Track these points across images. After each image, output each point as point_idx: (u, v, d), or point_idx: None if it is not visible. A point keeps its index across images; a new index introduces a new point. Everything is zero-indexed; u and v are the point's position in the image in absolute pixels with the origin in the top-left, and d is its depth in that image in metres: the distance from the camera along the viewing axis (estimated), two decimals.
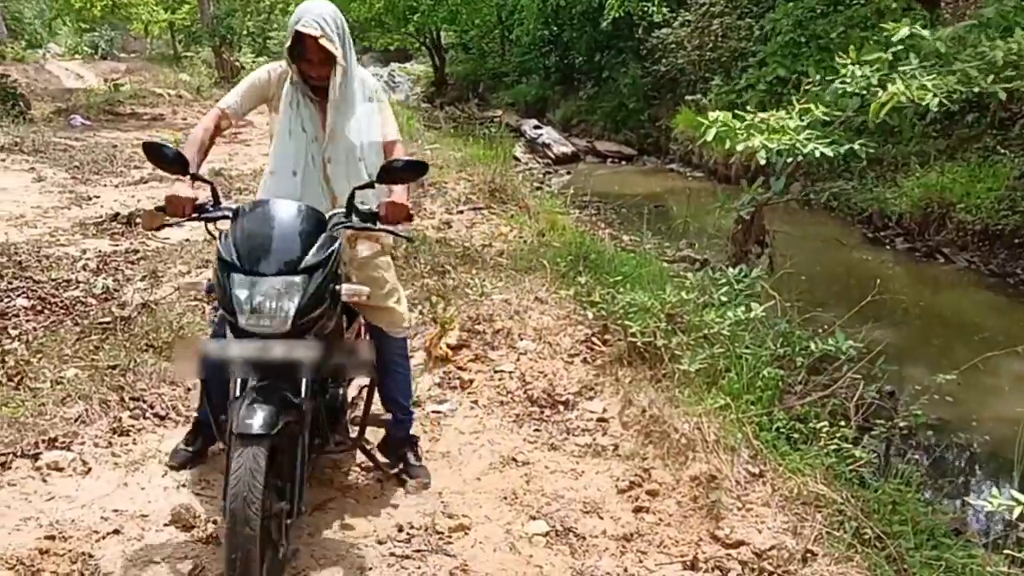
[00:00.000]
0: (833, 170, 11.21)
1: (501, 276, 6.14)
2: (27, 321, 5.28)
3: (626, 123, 19.88)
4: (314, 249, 2.87)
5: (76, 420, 3.92)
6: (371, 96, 3.39)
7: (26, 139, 11.56)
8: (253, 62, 25.94)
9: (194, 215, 3.05)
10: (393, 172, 3.02)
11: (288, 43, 3.13)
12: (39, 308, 5.54)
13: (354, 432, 3.49)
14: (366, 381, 3.59)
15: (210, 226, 3.10)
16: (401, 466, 3.71)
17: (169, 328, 4.93)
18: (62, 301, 5.64)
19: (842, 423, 4.19)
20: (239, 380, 2.86)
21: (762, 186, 6.38)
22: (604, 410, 4.40)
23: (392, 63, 37.75)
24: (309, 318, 2.81)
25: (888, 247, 10.53)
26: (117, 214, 7.92)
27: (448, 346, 4.94)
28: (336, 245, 2.97)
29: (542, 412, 4.43)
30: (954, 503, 4.94)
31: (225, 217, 3.03)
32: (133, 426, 3.97)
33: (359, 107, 3.34)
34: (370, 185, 3.06)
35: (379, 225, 3.09)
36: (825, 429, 4.08)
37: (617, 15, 15.89)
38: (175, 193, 3.01)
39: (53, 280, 6.01)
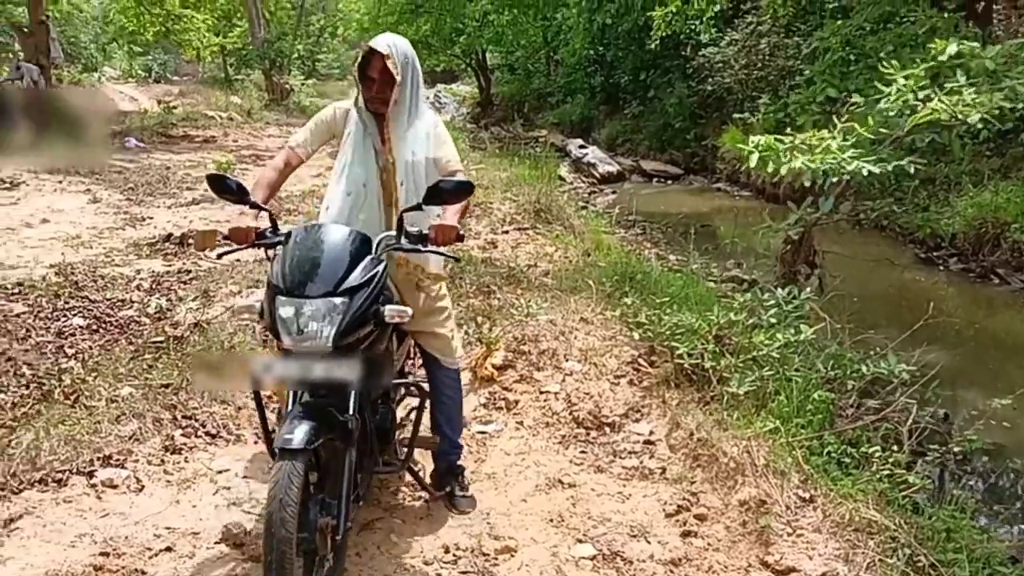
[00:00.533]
0: (884, 190, 11.04)
1: (546, 296, 6.13)
2: (83, 340, 5.40)
3: (672, 142, 19.81)
4: (357, 270, 2.91)
5: (130, 438, 3.98)
6: (429, 132, 3.42)
7: (83, 161, 11.81)
8: (302, 84, 26.43)
9: (255, 243, 3.13)
10: (440, 193, 3.05)
11: (358, 60, 3.25)
12: (95, 327, 5.66)
13: (403, 453, 3.51)
14: (415, 402, 3.62)
15: (269, 251, 3.19)
16: (447, 499, 3.72)
17: (220, 347, 5.00)
18: (117, 320, 5.76)
19: (895, 448, 4.12)
20: (291, 396, 2.93)
21: (811, 206, 6.31)
22: (651, 432, 4.37)
23: (438, 84, 38.08)
24: (352, 338, 2.85)
25: (941, 268, 10.33)
26: (170, 235, 8.07)
27: (494, 366, 4.95)
28: (380, 267, 3.01)
29: (588, 434, 4.41)
30: (1011, 530, 4.80)
31: (280, 243, 3.10)
32: (185, 444, 4.03)
33: (420, 137, 3.38)
34: (417, 207, 3.10)
35: (428, 247, 3.12)
36: (877, 454, 4.00)
37: (664, 34, 15.87)
38: (238, 224, 3.12)
39: (108, 300, 6.14)
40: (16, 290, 6.20)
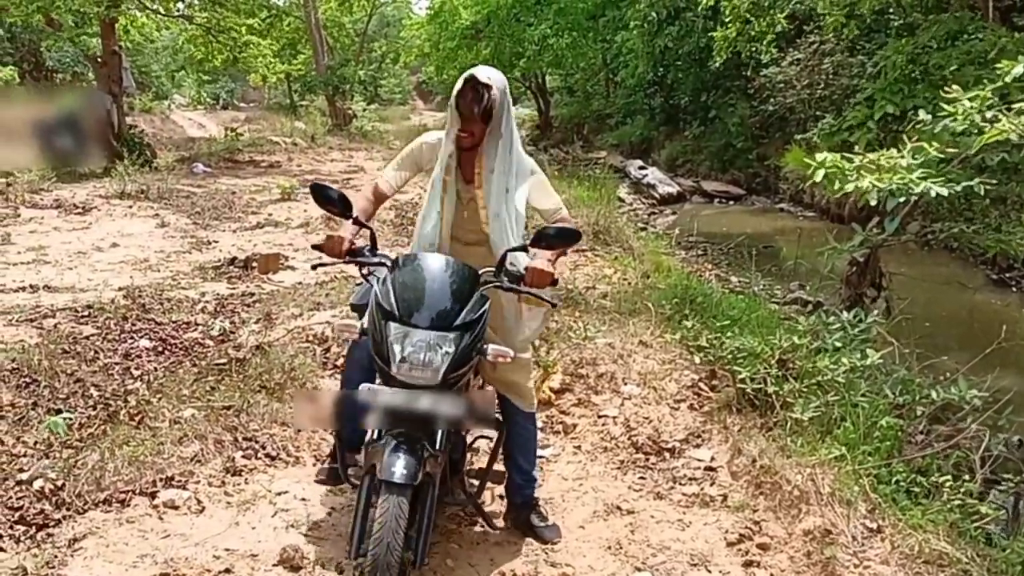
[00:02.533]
0: (954, 209, 10.77)
1: (604, 319, 6.08)
2: (149, 362, 5.50)
3: (734, 163, 19.64)
4: (469, 306, 2.93)
5: (192, 459, 4.03)
6: (528, 178, 3.39)
7: (151, 187, 12.16)
8: (364, 110, 26.79)
9: (348, 258, 3.14)
10: (545, 238, 3.05)
11: (457, 89, 3.16)
12: (160, 349, 5.77)
13: (470, 485, 3.48)
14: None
15: (363, 270, 3.20)
16: (528, 531, 3.67)
17: (281, 370, 5.05)
18: (182, 342, 5.86)
19: (966, 477, 3.96)
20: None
21: (877, 226, 6.18)
22: (712, 458, 4.29)
23: None
24: (457, 373, 2.86)
25: (1014, 289, 10.03)
26: (234, 258, 8.21)
27: (551, 390, 4.92)
28: (487, 305, 3.02)
29: (647, 459, 4.34)
30: None
31: (381, 264, 3.12)
32: (245, 466, 4.06)
33: (514, 175, 3.33)
34: (523, 248, 3.11)
35: (523, 288, 3.12)
36: (948, 483, 3.86)
37: (725, 57, 15.78)
38: (335, 235, 3.14)
39: (174, 322, 6.26)
40: (86, 313, 6.35)
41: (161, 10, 18.39)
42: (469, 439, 3.68)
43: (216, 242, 9.41)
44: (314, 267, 3.46)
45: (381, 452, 2.73)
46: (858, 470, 3.84)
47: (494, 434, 3.51)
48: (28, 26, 19.32)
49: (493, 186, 3.30)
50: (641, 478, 4.18)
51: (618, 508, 3.88)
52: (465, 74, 3.17)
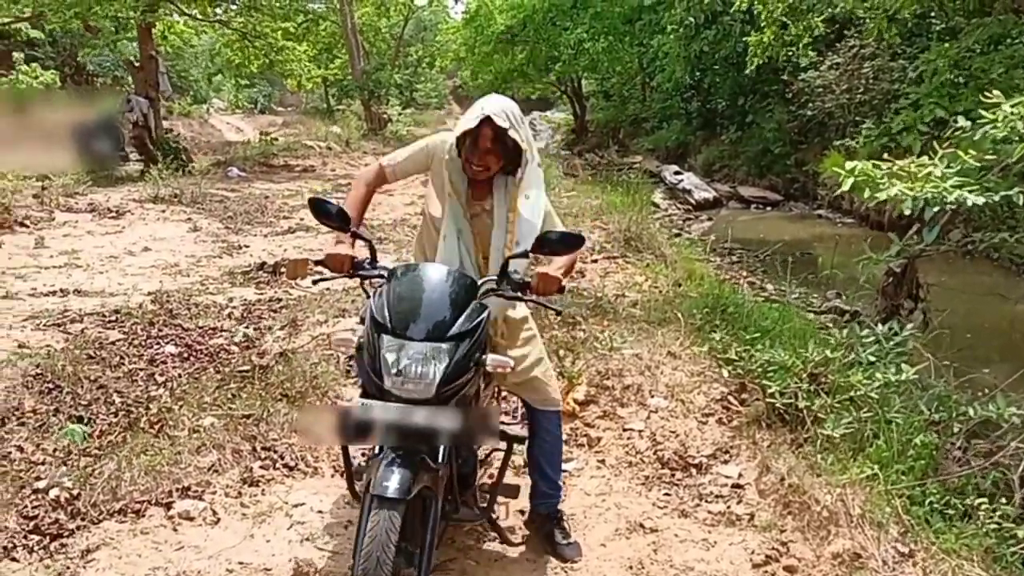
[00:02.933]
0: (996, 217, 10.51)
1: (633, 328, 5.97)
2: (174, 367, 5.48)
3: (771, 168, 19.38)
4: (463, 317, 2.84)
5: (209, 469, 4.00)
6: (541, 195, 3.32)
7: (185, 191, 12.22)
8: (399, 114, 26.87)
9: (351, 272, 3.08)
10: (548, 244, 2.96)
11: (468, 127, 3.04)
12: (186, 355, 5.75)
13: (483, 499, 3.40)
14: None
15: (365, 283, 3.15)
16: (548, 546, 3.59)
17: (303, 378, 5.01)
18: (207, 349, 5.84)
19: (1004, 499, 3.81)
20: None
21: (916, 235, 6.00)
22: (740, 475, 4.17)
23: (533, 112, 38.33)
24: (453, 386, 2.77)
25: None
26: (264, 263, 8.21)
27: (575, 401, 4.82)
28: (485, 314, 2.93)
29: (673, 475, 4.23)
30: None
31: (381, 276, 3.05)
32: (263, 476, 4.02)
33: (535, 188, 3.26)
34: (524, 255, 3.02)
35: (529, 296, 3.04)
36: (984, 505, 3.71)
37: (761, 62, 15.57)
38: (336, 251, 3.05)
39: (200, 328, 6.24)
40: (114, 318, 6.36)
41: (198, 15, 18.54)
42: (484, 452, 3.61)
43: (247, 247, 9.43)
44: (315, 282, 3.41)
45: (377, 466, 2.66)
46: (890, 490, 3.71)
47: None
48: (67, 31, 19.58)
49: (530, 213, 3.22)
50: (666, 494, 4.07)
51: (641, 526, 3.78)
52: (477, 112, 3.04)
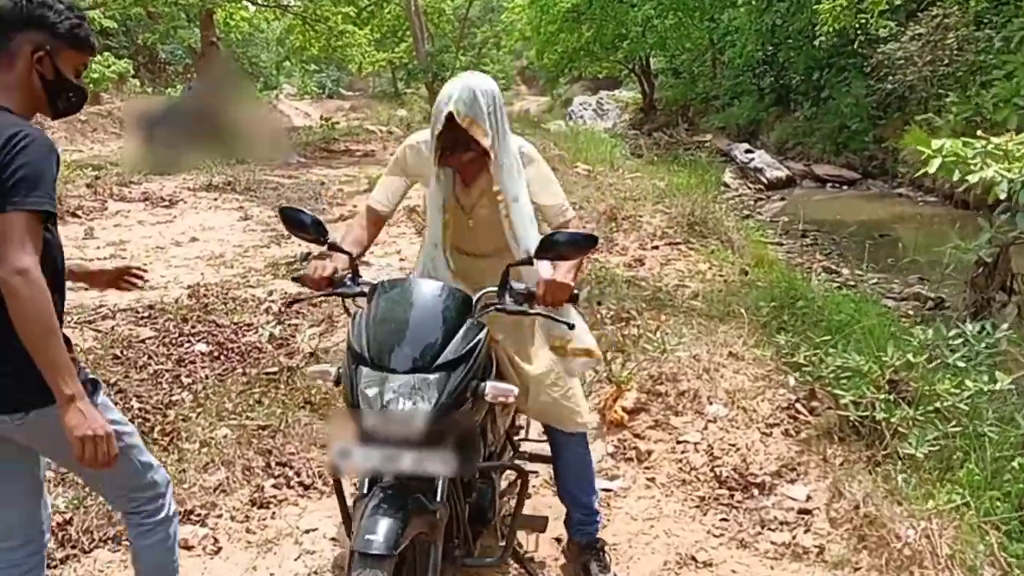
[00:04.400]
0: None
1: (692, 324, 5.47)
2: (202, 367, 5.21)
3: (848, 145, 18.50)
4: (456, 340, 2.40)
5: (216, 489, 3.67)
6: (527, 156, 2.91)
7: (240, 178, 12.01)
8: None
9: (330, 290, 2.69)
10: (553, 247, 2.52)
11: (437, 129, 2.68)
12: (216, 354, 5.46)
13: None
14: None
15: (347, 302, 2.72)
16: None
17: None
18: (239, 347, 5.54)
19: None
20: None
21: (1009, 220, 5.38)
22: (808, 498, 3.68)
23: (601, 91, 37.60)
24: (446, 423, 2.33)
25: None
26: (308, 254, 7.89)
27: (624, 409, 4.36)
28: (482, 334, 2.48)
29: (731, 496, 3.76)
30: None
31: (362, 294, 2.64)
32: (274, 497, 3.67)
33: (519, 182, 2.86)
34: (527, 262, 2.59)
35: (535, 308, 2.61)
36: None
37: (831, 29, 14.76)
38: (313, 266, 2.69)
39: (235, 324, 5.94)
40: (147, 313, 6.11)
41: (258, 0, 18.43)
42: (507, 480, 3.20)
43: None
44: (288, 304, 3.02)
45: (362, 511, 2.25)
46: (984, 523, 3.19)
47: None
48: (128, 19, 19.67)
49: (508, 198, 2.83)
50: (723, 519, 3.61)
51: (693, 559, 3.34)
52: (443, 107, 2.66)
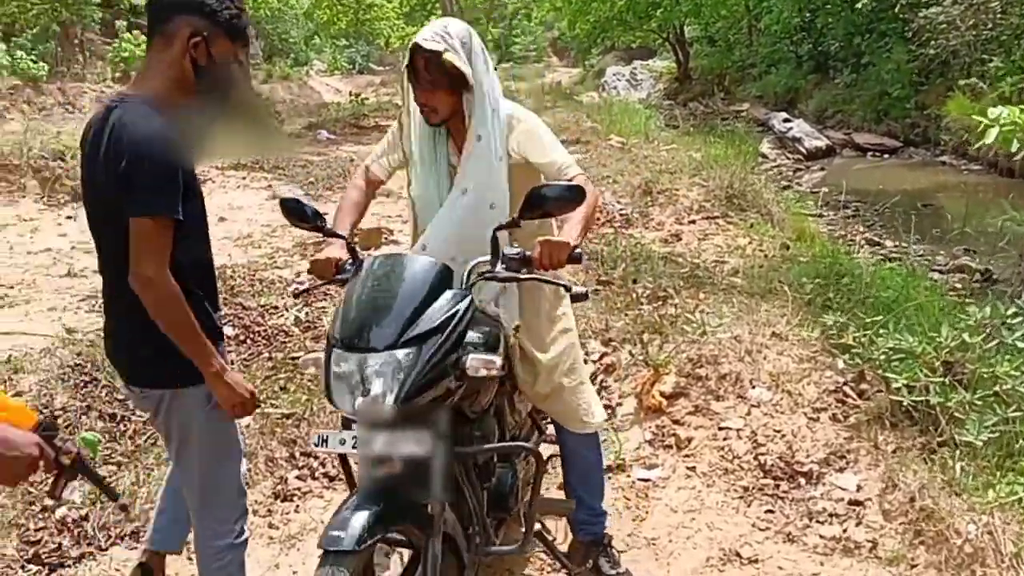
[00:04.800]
0: None
1: (732, 302, 5.25)
2: (228, 351, 5.07)
3: (889, 112, 17.99)
4: (430, 311, 2.24)
5: None
6: (514, 118, 2.70)
7: (268, 156, 11.87)
8: (495, 68, 26.17)
9: (336, 277, 2.57)
10: (541, 202, 2.32)
11: (406, 62, 2.56)
12: (242, 337, 5.36)
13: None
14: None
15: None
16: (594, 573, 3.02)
17: None
18: (265, 331, 5.43)
19: None
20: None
21: None
22: (859, 488, 3.48)
23: (635, 61, 36.94)
24: (424, 400, 2.19)
25: None
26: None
27: (662, 394, 4.17)
28: (463, 303, 2.32)
29: (777, 486, 3.57)
30: None
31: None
32: (299, 489, 3.55)
33: (490, 124, 2.64)
34: (514, 224, 2.40)
35: (533, 272, 2.42)
36: None
37: None
38: (320, 255, 2.62)
39: (262, 306, 5.82)
40: None
41: None
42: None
43: (325, 214, 8.90)
44: (296, 295, 2.90)
45: (340, 506, 2.16)
46: None
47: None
48: None
49: (483, 155, 2.63)
50: (768, 511, 3.43)
51: (737, 555, 3.17)
52: (411, 42, 2.55)
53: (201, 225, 2.38)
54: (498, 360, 2.30)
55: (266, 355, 4.98)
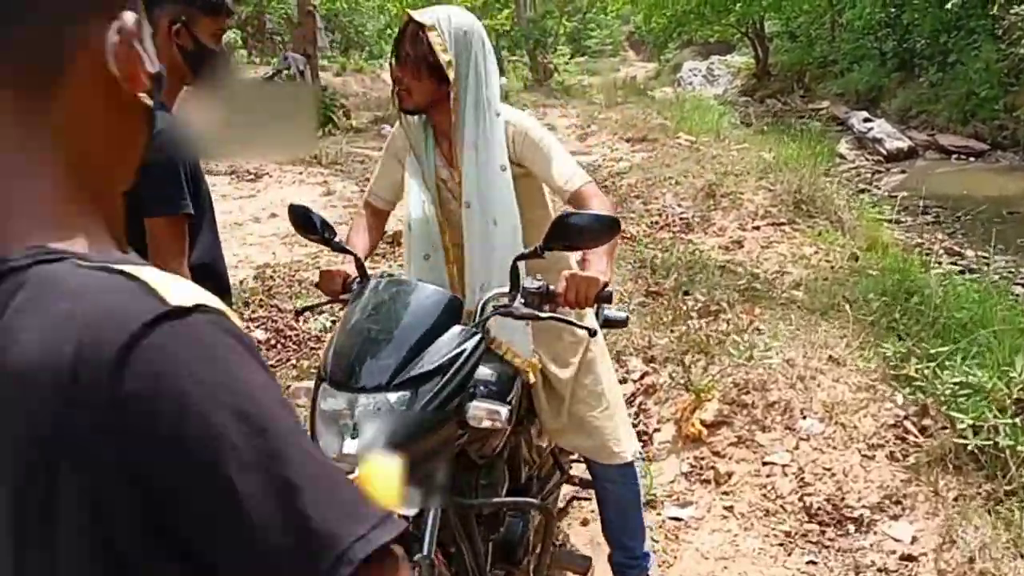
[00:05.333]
0: None
1: (790, 319, 4.89)
2: None
3: (976, 113, 17.16)
4: (432, 349, 1.98)
5: None
6: (512, 138, 2.40)
7: (328, 151, 11.79)
8: (566, 63, 25.87)
9: (342, 296, 2.38)
10: (565, 232, 2.01)
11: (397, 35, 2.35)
12: (273, 342, 5.22)
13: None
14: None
15: None
16: None
17: None
18: (297, 336, 5.28)
19: None
20: None
21: None
22: (913, 539, 3.13)
23: (712, 56, 36.22)
24: (420, 449, 1.91)
25: None
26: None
27: (703, 423, 3.86)
28: (471, 342, 2.04)
29: (823, 532, 3.24)
30: None
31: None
32: None
33: (496, 148, 2.36)
34: (536, 255, 2.11)
35: (547, 311, 2.14)
36: None
37: None
38: (329, 269, 2.45)
39: (296, 309, 5.68)
40: None
41: None
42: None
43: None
44: (298, 313, 2.69)
45: None
46: None
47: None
48: None
49: (483, 164, 2.35)
50: (811, 562, 3.10)
51: None
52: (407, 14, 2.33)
53: (201, 222, 2.28)
54: (504, 411, 2.04)
55: (294, 361, 4.80)
